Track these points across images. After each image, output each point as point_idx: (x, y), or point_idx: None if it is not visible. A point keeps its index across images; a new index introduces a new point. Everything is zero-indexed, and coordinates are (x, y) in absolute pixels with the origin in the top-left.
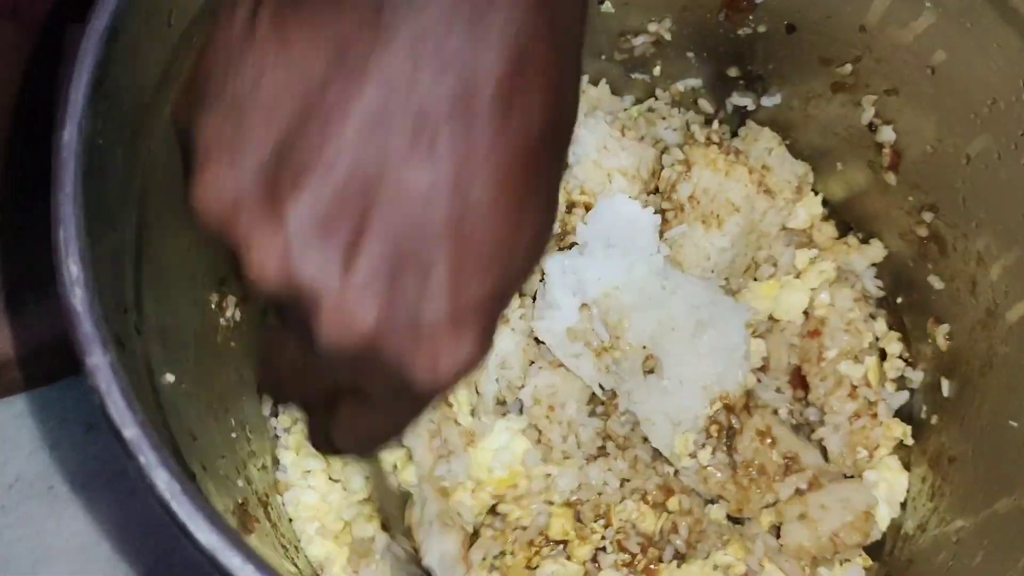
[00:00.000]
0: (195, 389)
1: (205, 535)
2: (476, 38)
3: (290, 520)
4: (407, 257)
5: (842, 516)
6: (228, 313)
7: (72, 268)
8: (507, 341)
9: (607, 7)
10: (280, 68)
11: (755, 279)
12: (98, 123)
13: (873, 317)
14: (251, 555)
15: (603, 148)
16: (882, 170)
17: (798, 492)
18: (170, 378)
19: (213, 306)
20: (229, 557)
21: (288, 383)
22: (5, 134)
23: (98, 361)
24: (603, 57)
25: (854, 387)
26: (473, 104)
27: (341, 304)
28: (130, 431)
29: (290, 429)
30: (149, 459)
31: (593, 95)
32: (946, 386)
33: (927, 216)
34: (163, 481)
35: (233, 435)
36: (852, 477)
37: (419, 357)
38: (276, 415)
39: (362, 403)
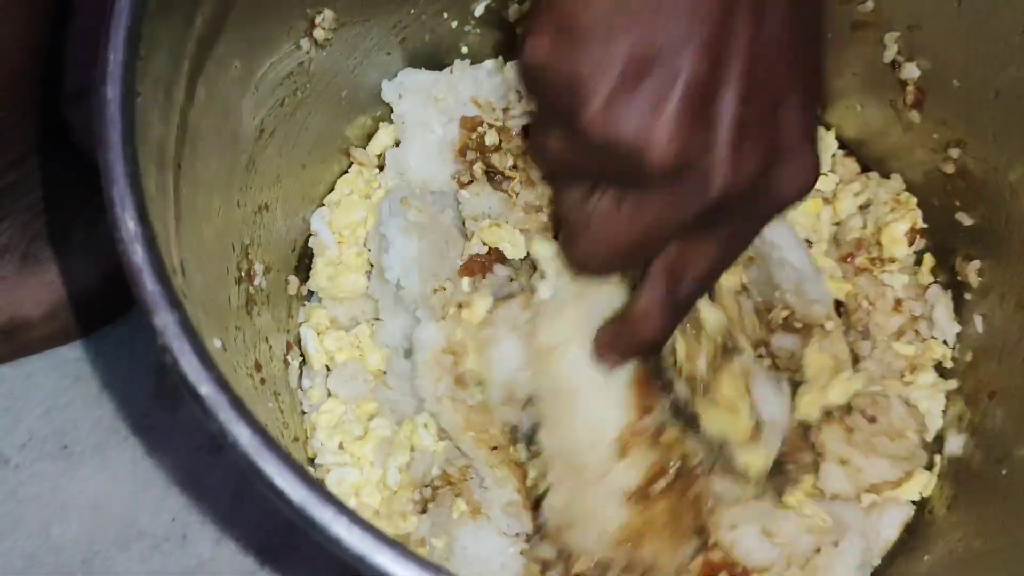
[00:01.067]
0: (238, 357)
1: (295, 489)
2: None
3: None
4: (767, 100)
5: (884, 473)
6: (256, 281)
7: (130, 224)
8: None
9: None
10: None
11: None
12: (135, 80)
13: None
14: (342, 508)
15: None
16: (905, 108)
17: (847, 430)
18: (218, 343)
19: (243, 274)
20: (321, 511)
21: (627, 254)
22: (12, 95)
23: (166, 319)
24: None
25: (898, 301)
26: None
27: (735, 161)
28: (206, 388)
29: (319, 407)
30: (228, 415)
31: None
32: (979, 322)
33: (954, 152)
34: (245, 437)
35: (270, 405)
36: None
37: (787, 179)
38: (302, 387)
39: (703, 246)
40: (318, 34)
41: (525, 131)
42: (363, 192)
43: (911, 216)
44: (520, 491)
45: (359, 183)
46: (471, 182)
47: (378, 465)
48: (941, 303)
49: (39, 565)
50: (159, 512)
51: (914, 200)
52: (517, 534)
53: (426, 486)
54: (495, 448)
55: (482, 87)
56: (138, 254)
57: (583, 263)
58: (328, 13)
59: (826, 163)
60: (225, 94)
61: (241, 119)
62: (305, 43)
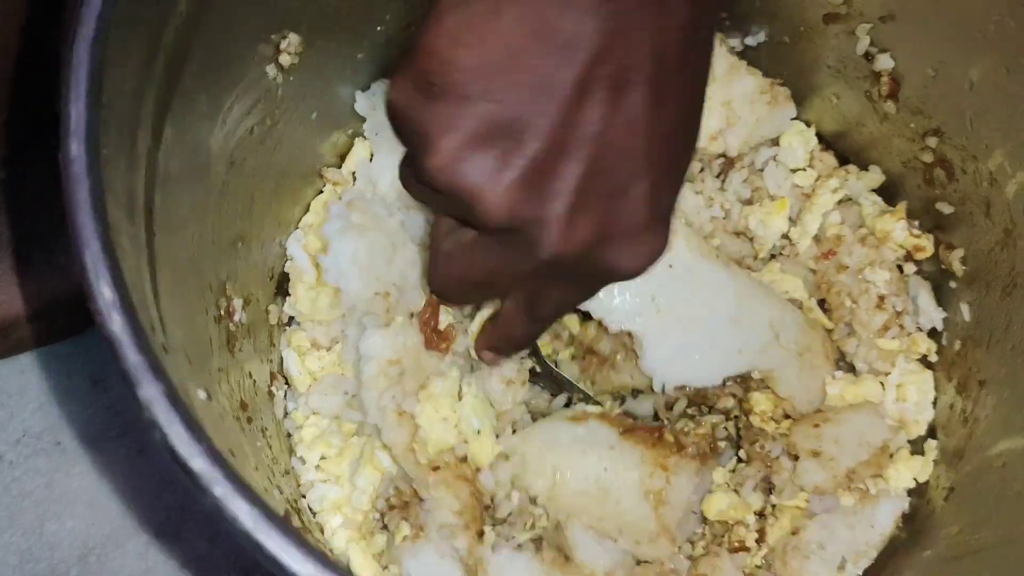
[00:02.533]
0: (224, 402)
1: (301, 564)
2: (661, 13)
3: (313, 514)
4: (617, 184)
5: (857, 453)
6: (236, 317)
7: (106, 292)
8: None
9: None
10: (484, 44)
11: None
12: (100, 132)
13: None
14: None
15: None
16: (880, 99)
17: (814, 426)
18: (202, 395)
19: (222, 312)
20: None
21: (475, 288)
22: (5, 91)
23: (152, 392)
24: None
25: (881, 297)
26: (663, 65)
27: (569, 228)
28: (199, 462)
29: (302, 426)
30: (224, 490)
31: None
32: (965, 310)
33: (931, 141)
34: (245, 513)
35: (258, 443)
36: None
37: (624, 256)
38: (287, 412)
39: (556, 285)
40: (284, 59)
41: None
42: None
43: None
44: (462, 512)
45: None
46: None
47: (350, 484)
48: (923, 290)
49: (34, 561)
50: (154, 508)
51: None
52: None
53: (383, 509)
54: (436, 468)
55: None
56: (116, 323)
57: (437, 289)
58: (293, 37)
59: (804, 158)
60: (193, 131)
61: (211, 154)
62: (271, 69)
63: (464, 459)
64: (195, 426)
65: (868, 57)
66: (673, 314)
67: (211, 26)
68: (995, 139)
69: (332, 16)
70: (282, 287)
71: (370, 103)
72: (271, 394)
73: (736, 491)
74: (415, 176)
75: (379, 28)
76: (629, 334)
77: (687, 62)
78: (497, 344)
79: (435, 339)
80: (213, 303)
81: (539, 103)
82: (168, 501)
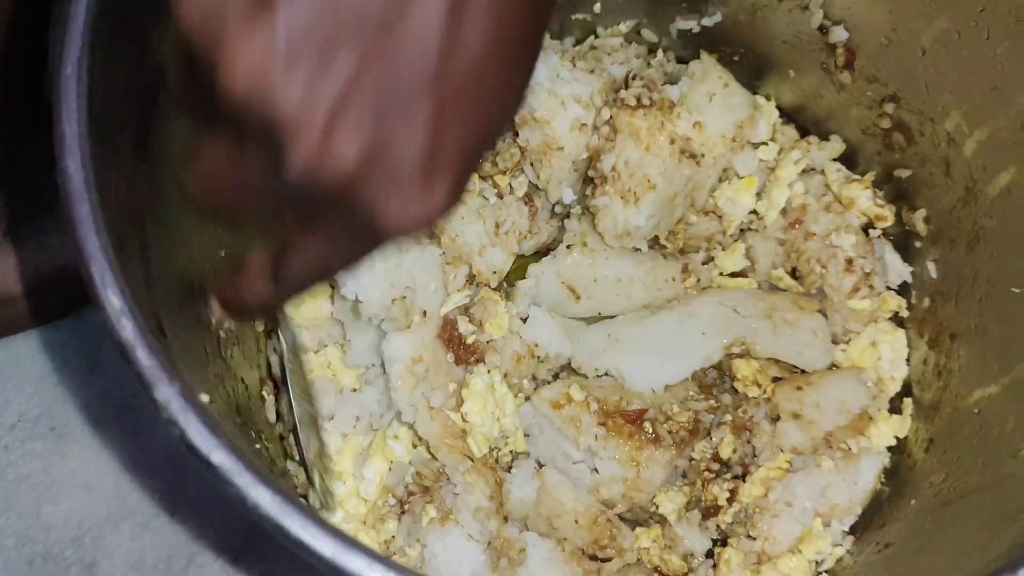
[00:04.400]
0: (222, 406)
1: (323, 543)
2: None
3: None
4: (394, 100)
5: (836, 419)
6: (225, 324)
7: (114, 301)
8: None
9: None
10: None
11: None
12: (95, 149)
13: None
14: (374, 555)
15: (556, 77)
16: (837, 70)
17: (796, 388)
18: (205, 398)
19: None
20: (353, 560)
21: (228, 199)
22: (8, 72)
23: (168, 393)
24: None
25: (848, 260)
26: None
27: (325, 139)
28: (218, 455)
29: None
30: (246, 480)
31: None
32: (932, 268)
33: (889, 107)
34: (266, 499)
35: (257, 446)
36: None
37: (391, 202)
38: (279, 418)
39: (310, 233)
40: None
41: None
42: None
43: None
44: (493, 497)
45: None
46: None
47: (357, 476)
48: (887, 248)
49: (30, 543)
50: (148, 491)
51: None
52: (489, 542)
53: (402, 495)
54: (469, 456)
55: None
56: (127, 329)
57: (194, 196)
58: None
59: (767, 133)
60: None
61: None
62: None
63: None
64: (211, 422)
65: (823, 30)
66: (631, 339)
67: None
68: (950, 101)
69: None
70: None
71: None
72: (263, 398)
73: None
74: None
75: None
76: (606, 373)
77: None
78: (229, 297)
79: (463, 353)
80: (205, 311)
81: None
82: (161, 483)
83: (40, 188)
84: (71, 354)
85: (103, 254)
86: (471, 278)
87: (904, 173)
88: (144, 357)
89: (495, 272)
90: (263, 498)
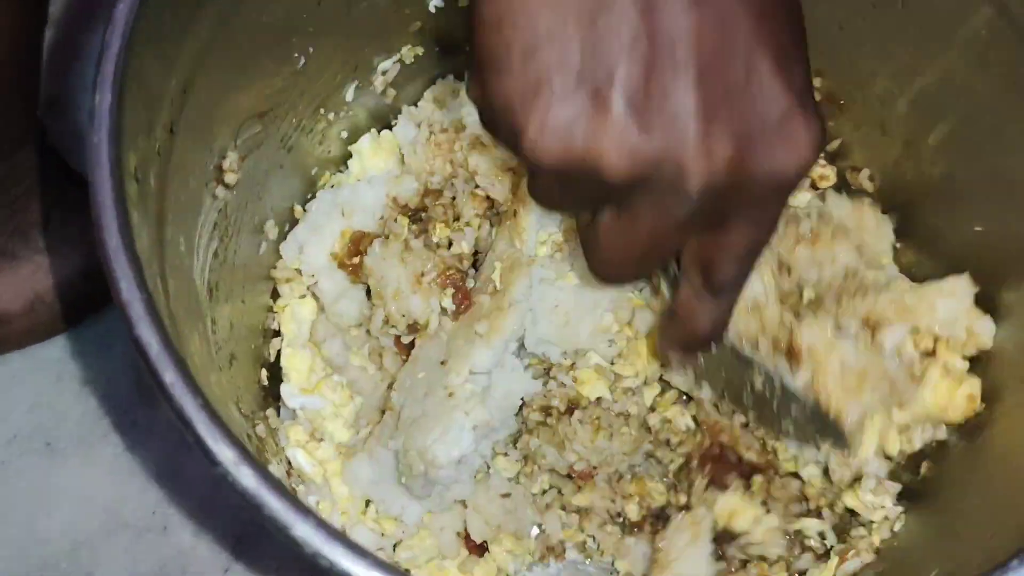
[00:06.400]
0: (223, 410)
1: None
2: None
3: None
4: (727, 78)
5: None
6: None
7: (136, 308)
8: None
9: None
10: (548, 9)
11: None
12: (121, 160)
13: None
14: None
15: None
16: None
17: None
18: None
19: (210, 331)
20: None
21: (642, 261)
22: (6, 95)
23: (192, 411)
24: (468, 49)
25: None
26: None
27: (706, 148)
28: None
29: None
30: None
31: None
32: (893, 219)
33: (816, 82)
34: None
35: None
36: None
37: (781, 150)
38: (278, 411)
39: (726, 232)
40: (229, 178)
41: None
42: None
43: None
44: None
45: (293, 297)
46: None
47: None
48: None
49: (26, 555)
50: (141, 504)
51: None
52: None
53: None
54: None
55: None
56: (153, 336)
57: (603, 277)
58: (232, 155)
59: None
60: (184, 275)
61: (196, 288)
62: (220, 191)
63: None
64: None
65: None
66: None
67: (174, 168)
68: (876, 67)
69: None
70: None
71: (297, 249)
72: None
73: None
74: (534, 175)
75: (294, 120)
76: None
77: None
78: (685, 340)
79: (467, 303)
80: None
81: (607, 24)
82: (154, 497)
83: (34, 208)
84: (64, 372)
85: (129, 269)
86: (386, 320)
87: (846, 136)
88: (171, 373)
89: (409, 320)
90: (297, 525)
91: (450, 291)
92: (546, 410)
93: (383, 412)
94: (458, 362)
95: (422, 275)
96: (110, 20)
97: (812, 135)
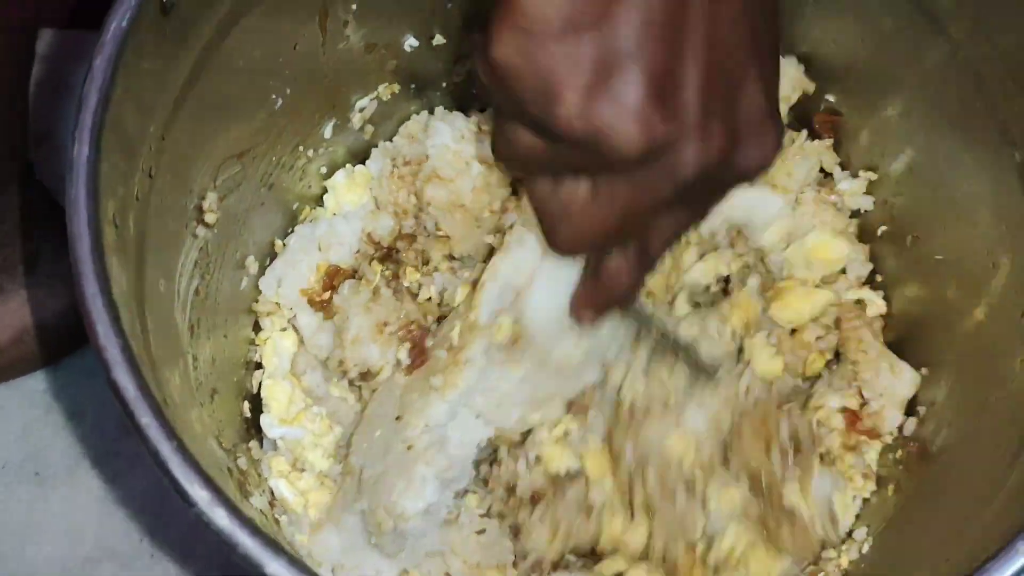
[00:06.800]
0: (203, 446)
1: None
2: None
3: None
4: (730, 78)
5: None
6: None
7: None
8: None
9: (438, 40)
10: None
11: None
12: (99, 208)
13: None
14: None
15: (460, 138)
16: None
17: None
18: None
19: (191, 368)
20: None
21: (608, 237)
22: None
23: (167, 454)
24: (443, 85)
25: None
26: None
27: (704, 138)
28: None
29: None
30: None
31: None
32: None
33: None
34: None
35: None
36: None
37: (753, 150)
38: (261, 443)
39: (671, 210)
40: (209, 218)
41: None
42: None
43: None
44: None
45: (274, 330)
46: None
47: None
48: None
49: None
50: (128, 533)
51: None
52: None
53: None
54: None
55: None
56: (130, 386)
57: (569, 247)
58: (212, 195)
59: None
60: (164, 315)
61: (177, 326)
62: (201, 230)
63: None
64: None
65: None
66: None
67: (153, 211)
68: (834, 104)
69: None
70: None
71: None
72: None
73: None
74: (534, 138)
75: (274, 159)
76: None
77: None
78: (602, 301)
79: (422, 359)
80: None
81: (642, 20)
82: (141, 525)
83: (20, 243)
84: (51, 404)
85: (106, 315)
86: (340, 363)
87: (864, 140)
88: (147, 416)
89: (362, 368)
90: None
91: (408, 345)
92: (510, 489)
93: (345, 477)
94: (414, 416)
95: (385, 324)
96: (89, 71)
97: (778, 139)
